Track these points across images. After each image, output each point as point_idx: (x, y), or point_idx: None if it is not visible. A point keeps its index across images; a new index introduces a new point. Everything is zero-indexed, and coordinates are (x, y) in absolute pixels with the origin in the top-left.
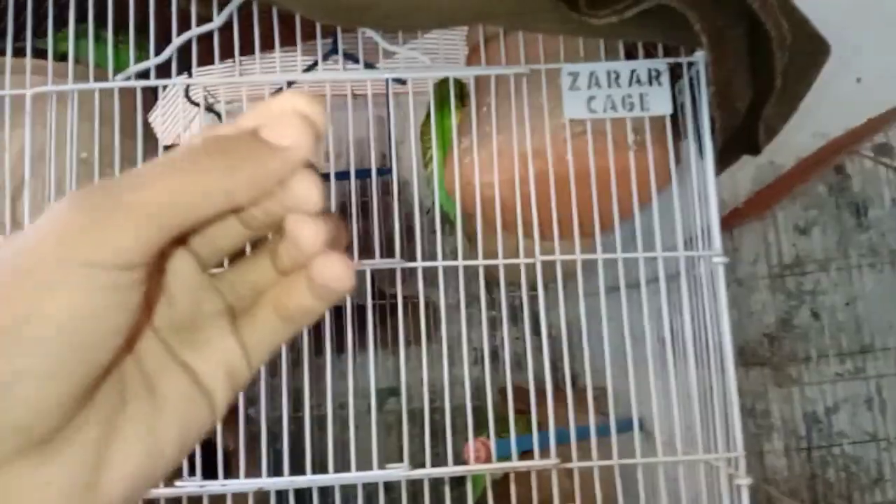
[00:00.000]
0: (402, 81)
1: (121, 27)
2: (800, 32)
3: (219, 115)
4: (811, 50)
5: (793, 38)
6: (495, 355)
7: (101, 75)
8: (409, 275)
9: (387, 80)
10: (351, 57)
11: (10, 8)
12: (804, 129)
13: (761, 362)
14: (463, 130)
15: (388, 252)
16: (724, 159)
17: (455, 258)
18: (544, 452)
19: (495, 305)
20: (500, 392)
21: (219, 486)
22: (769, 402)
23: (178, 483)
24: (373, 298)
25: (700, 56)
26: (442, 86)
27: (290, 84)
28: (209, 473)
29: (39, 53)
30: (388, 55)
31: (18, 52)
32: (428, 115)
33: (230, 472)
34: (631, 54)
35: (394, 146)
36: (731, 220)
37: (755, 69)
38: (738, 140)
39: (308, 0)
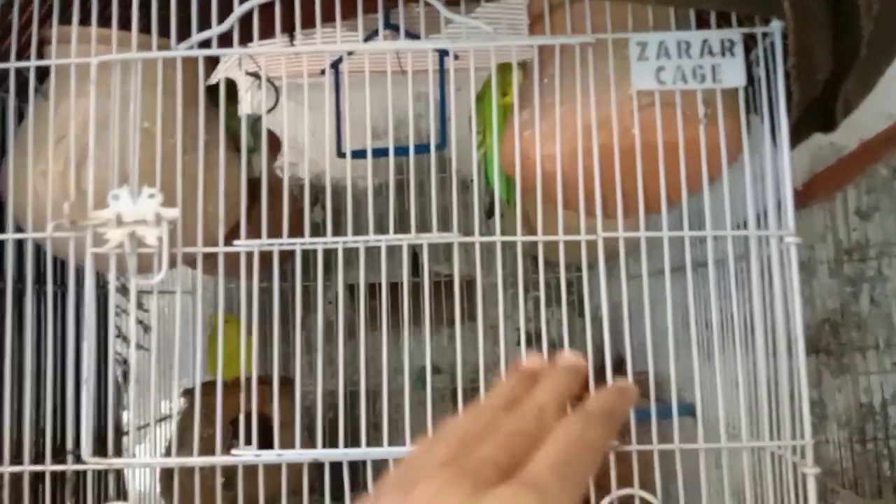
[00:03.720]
0: (457, 56)
1: None
2: (888, 1)
3: (276, 89)
4: None
5: (880, 6)
6: (538, 336)
7: (163, 45)
8: (450, 254)
9: (443, 51)
10: (409, 33)
11: None
12: (869, 108)
13: (819, 350)
14: (524, 102)
15: (438, 228)
16: (797, 136)
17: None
18: None
19: (548, 285)
20: None
21: (275, 455)
22: (824, 391)
23: (234, 451)
24: (417, 276)
25: (776, 26)
26: (502, 68)
27: (349, 54)
28: (265, 444)
29: (104, 21)
30: (449, 23)
31: (83, 21)
32: (481, 96)
33: (285, 444)
34: (703, 24)
35: (452, 122)
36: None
37: (837, 39)
38: (811, 115)
39: None
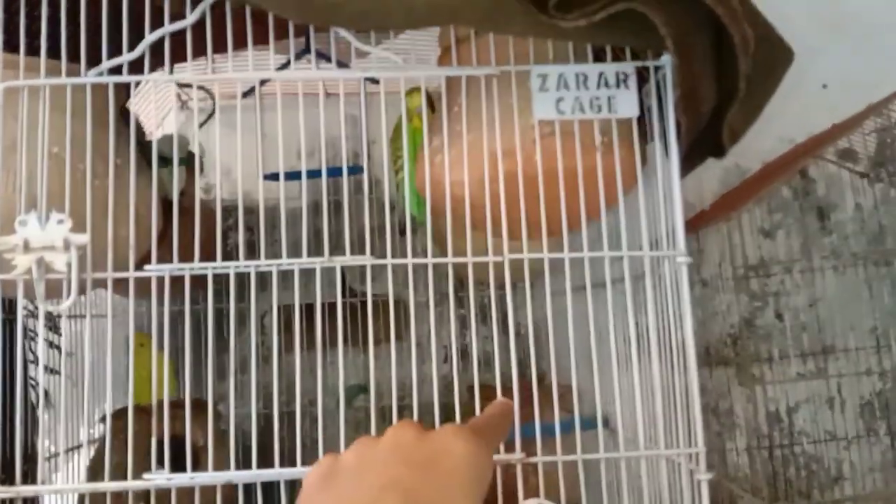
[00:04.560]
0: (374, 81)
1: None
2: (764, 39)
3: (213, 98)
4: (775, 56)
5: (757, 44)
6: (464, 353)
7: (73, 70)
8: (378, 273)
9: (360, 80)
10: (323, 56)
11: None
12: (770, 132)
13: (725, 362)
14: (434, 130)
15: (359, 250)
16: (690, 161)
17: (424, 257)
18: (509, 447)
19: (464, 304)
20: (469, 390)
21: (187, 478)
22: (732, 400)
23: (146, 476)
24: (343, 296)
25: (666, 60)
26: (413, 94)
27: (262, 82)
28: (178, 468)
29: (12, 48)
30: (361, 55)
31: None
32: (398, 124)
33: (198, 467)
34: (599, 57)
35: (365, 145)
36: (698, 222)
37: (720, 74)
38: (703, 143)
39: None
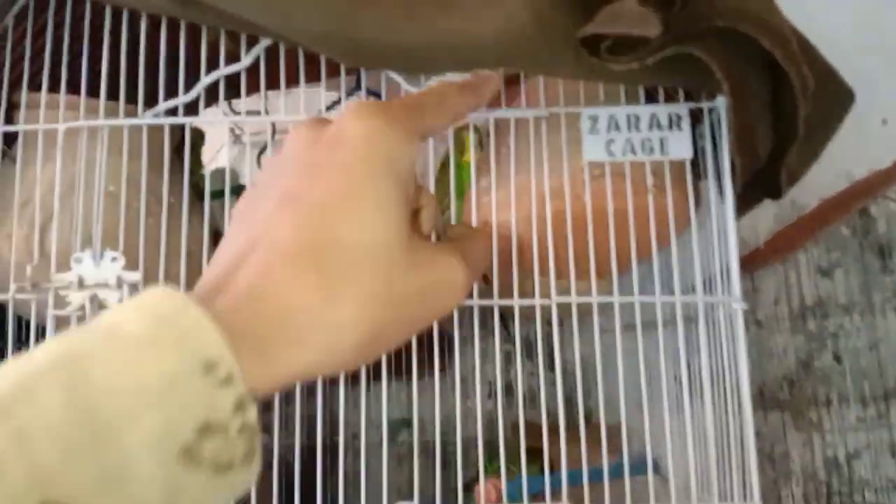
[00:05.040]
0: None
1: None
2: (824, 80)
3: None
4: (835, 98)
5: (816, 86)
6: (509, 390)
7: (131, 111)
8: None
9: None
10: (374, 94)
11: (48, 45)
12: (828, 169)
13: (781, 405)
14: (482, 171)
15: None
16: (746, 203)
17: (470, 296)
18: (556, 494)
19: (510, 339)
20: (513, 428)
21: None
22: (788, 446)
23: None
24: None
25: (721, 101)
26: (460, 132)
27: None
28: None
29: (73, 89)
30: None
31: (52, 88)
32: (445, 161)
33: (240, 500)
34: (651, 98)
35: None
36: (752, 261)
37: (778, 115)
38: (759, 184)
39: (332, 43)
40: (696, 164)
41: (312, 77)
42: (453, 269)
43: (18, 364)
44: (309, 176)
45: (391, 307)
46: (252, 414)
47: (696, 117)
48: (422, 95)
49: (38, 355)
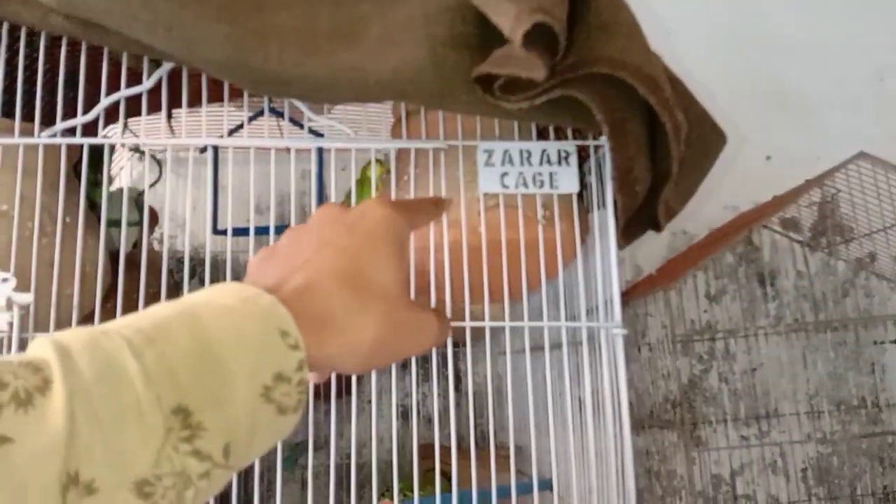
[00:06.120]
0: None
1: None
2: (697, 123)
3: (160, 165)
4: (709, 140)
5: (691, 129)
6: (405, 413)
7: (27, 129)
8: None
9: (312, 149)
10: (278, 113)
11: None
12: (716, 201)
13: (669, 425)
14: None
15: None
16: (629, 234)
17: None
18: None
19: (406, 364)
20: (422, 449)
21: None
22: (676, 463)
23: None
24: None
25: (606, 140)
26: (365, 168)
27: (201, 151)
28: None
29: None
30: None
31: None
32: (347, 197)
33: None
34: (543, 135)
35: (314, 203)
36: (644, 286)
37: (655, 156)
38: (641, 217)
39: (236, 72)
40: (583, 197)
41: (215, 97)
42: (432, 319)
43: (146, 314)
44: (340, 234)
45: (394, 328)
46: (307, 374)
47: (583, 154)
48: (414, 203)
49: (163, 308)
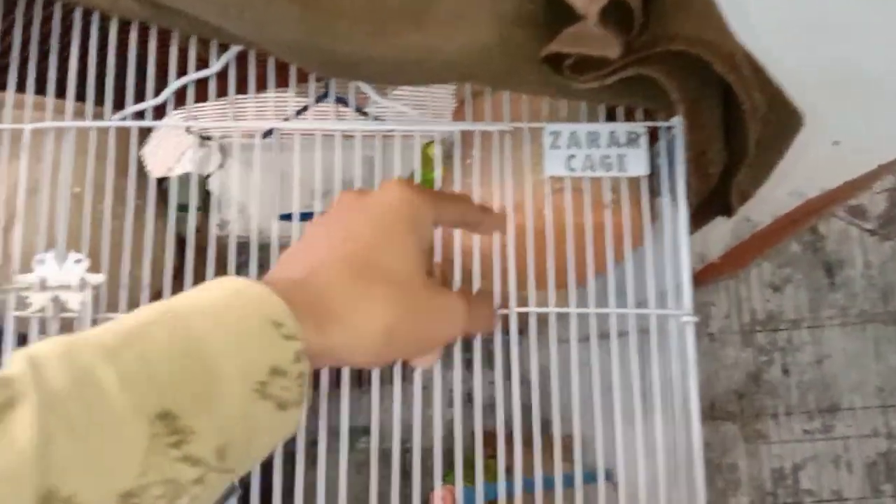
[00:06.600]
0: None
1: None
2: (774, 104)
3: (223, 151)
4: (785, 121)
5: (767, 109)
6: (469, 398)
7: (98, 113)
8: None
9: (376, 132)
10: (343, 100)
11: (16, 44)
12: (781, 188)
13: (730, 417)
14: (446, 182)
15: None
16: (699, 219)
17: None
18: (510, 502)
19: (470, 348)
20: (472, 436)
21: None
22: (737, 456)
23: None
24: None
25: (677, 121)
26: (426, 148)
27: (265, 135)
28: None
29: (40, 89)
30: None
31: (20, 88)
32: (412, 176)
33: None
34: (611, 116)
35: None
36: (707, 275)
37: (729, 137)
38: (712, 202)
39: (305, 54)
40: (652, 180)
41: (282, 83)
42: (455, 303)
43: (129, 317)
44: (354, 218)
45: (409, 314)
46: (306, 365)
47: (653, 135)
48: (447, 194)
49: (147, 310)
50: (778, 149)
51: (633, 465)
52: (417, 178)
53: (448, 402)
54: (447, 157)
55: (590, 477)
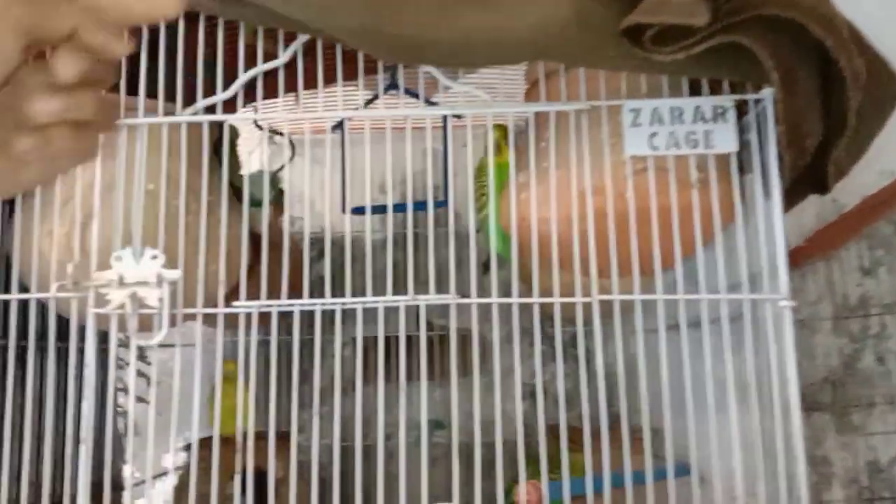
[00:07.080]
0: (459, 116)
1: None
2: (875, 71)
3: (293, 146)
4: (886, 89)
5: (868, 76)
6: (547, 391)
7: (169, 109)
8: (460, 309)
9: (444, 117)
10: (410, 91)
11: None
12: (870, 167)
13: (822, 407)
14: (520, 166)
15: (440, 283)
16: (791, 198)
17: (507, 294)
18: (598, 497)
19: (547, 340)
20: (552, 429)
21: None
22: (830, 449)
23: None
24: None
25: (767, 93)
26: (499, 129)
27: (335, 126)
28: (260, 500)
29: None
30: (448, 89)
31: None
32: (482, 160)
33: (279, 500)
34: (695, 90)
35: (451, 178)
36: (794, 260)
37: (827, 107)
38: (805, 179)
39: (371, 39)
40: (741, 157)
41: (349, 75)
42: None
43: None
44: None
45: None
46: None
47: (740, 110)
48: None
49: None
50: (878, 119)
51: (727, 458)
52: (490, 164)
53: (530, 394)
54: (520, 140)
55: (682, 471)
